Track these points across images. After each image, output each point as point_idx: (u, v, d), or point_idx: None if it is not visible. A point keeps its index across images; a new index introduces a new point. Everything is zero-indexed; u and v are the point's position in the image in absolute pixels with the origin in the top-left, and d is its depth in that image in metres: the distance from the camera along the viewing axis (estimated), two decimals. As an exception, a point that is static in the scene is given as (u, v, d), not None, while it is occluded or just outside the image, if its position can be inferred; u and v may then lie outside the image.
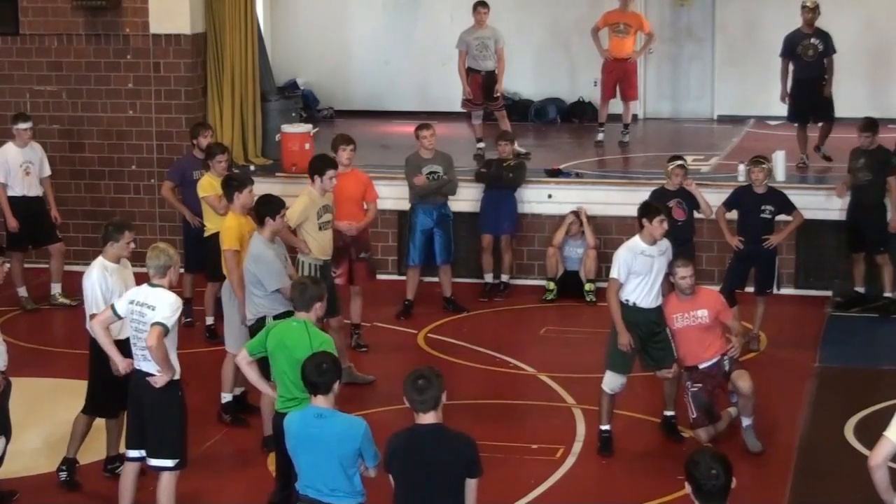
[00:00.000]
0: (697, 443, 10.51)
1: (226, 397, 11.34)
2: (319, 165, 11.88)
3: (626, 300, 10.53)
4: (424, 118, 16.16)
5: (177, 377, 8.94)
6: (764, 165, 12.94)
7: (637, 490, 9.95)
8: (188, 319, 13.38)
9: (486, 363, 12.93)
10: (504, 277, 15.30)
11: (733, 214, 13.18)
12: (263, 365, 9.03)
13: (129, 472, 9.21)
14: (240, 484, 10.46)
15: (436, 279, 14.72)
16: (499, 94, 17.16)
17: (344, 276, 12.71)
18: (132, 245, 9.74)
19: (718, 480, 5.81)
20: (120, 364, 9.20)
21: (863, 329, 13.88)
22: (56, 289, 14.86)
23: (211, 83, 16.53)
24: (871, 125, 14.16)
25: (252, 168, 16.41)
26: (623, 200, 14.87)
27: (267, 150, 17.04)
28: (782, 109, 16.84)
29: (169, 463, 8.96)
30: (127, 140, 16.45)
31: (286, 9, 21.59)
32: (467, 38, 16.99)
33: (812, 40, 15.99)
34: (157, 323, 8.68)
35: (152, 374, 8.86)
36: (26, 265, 14.99)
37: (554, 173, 16.04)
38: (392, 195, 14.89)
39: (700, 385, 10.69)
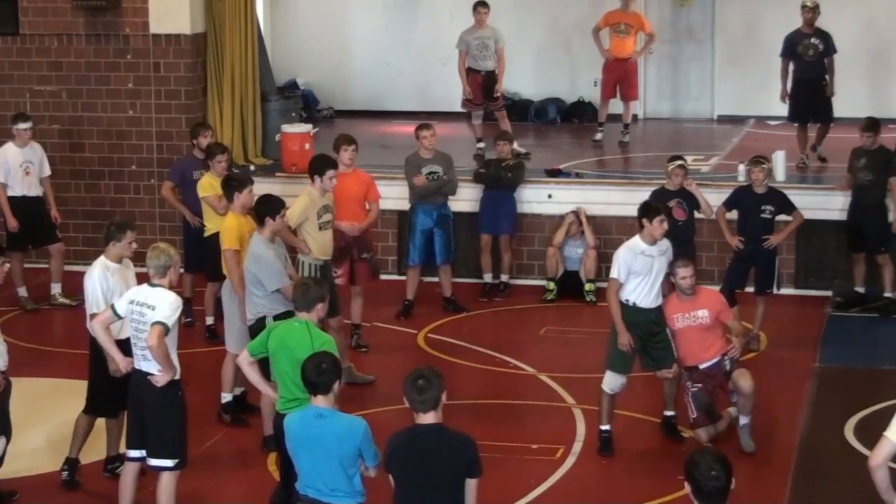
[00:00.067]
0: (697, 443, 10.51)
1: (226, 397, 11.34)
2: (319, 165, 11.89)
3: (626, 300, 10.53)
4: (424, 118, 16.16)
5: (177, 377, 8.94)
6: (764, 165, 12.94)
7: (637, 490, 9.95)
8: (188, 319, 13.38)
9: (486, 363, 12.92)
10: (504, 277, 15.30)
11: (733, 214, 13.18)
12: (263, 365, 9.04)
13: (129, 472, 9.21)
14: (240, 484, 10.46)
15: (436, 279, 14.72)
16: (499, 94, 17.16)
17: (345, 277, 12.71)
18: (134, 245, 9.75)
19: (718, 481, 5.81)
20: (120, 363, 9.20)
21: (863, 329, 13.88)
22: (56, 289, 14.86)
23: (211, 83, 16.53)
24: (873, 125, 14.17)
25: (252, 168, 16.41)
26: (623, 200, 14.87)
27: (267, 150, 17.04)
28: (782, 109, 16.85)
29: (169, 463, 8.96)
30: (127, 140, 16.45)
31: (286, 9, 21.59)
32: (467, 37, 16.99)
33: (812, 40, 16.00)
34: (158, 322, 8.68)
35: (152, 374, 8.86)
36: (26, 265, 14.99)
37: (554, 173, 16.04)
38: (392, 195, 14.88)
39: (700, 385, 10.69)
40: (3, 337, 9.37)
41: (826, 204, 14.77)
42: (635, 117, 19.34)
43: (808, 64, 16.04)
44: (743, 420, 10.61)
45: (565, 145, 18.86)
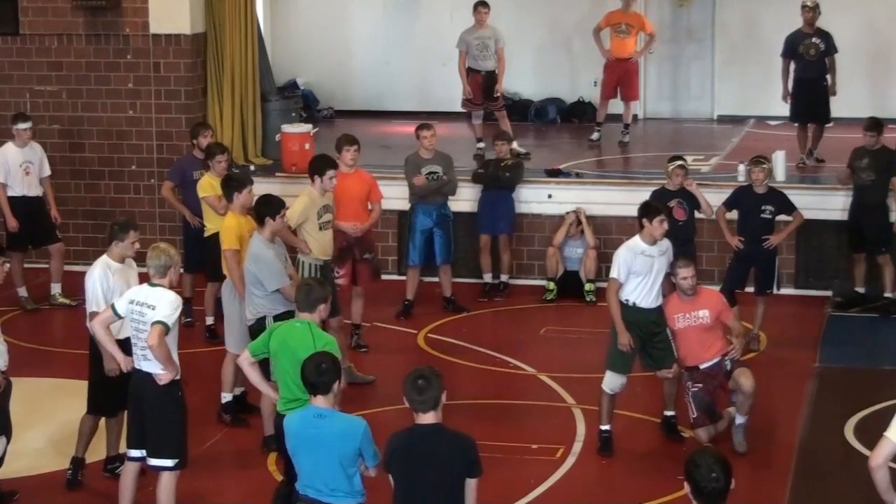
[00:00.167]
0: (697, 443, 10.51)
1: (226, 397, 11.34)
2: (319, 165, 11.89)
3: (626, 300, 10.53)
4: (424, 118, 16.16)
5: (177, 377, 8.94)
6: (764, 165, 12.94)
7: (637, 490, 9.95)
8: (188, 319, 13.37)
9: (486, 363, 12.92)
10: (503, 277, 15.31)
11: (733, 214, 13.18)
12: (263, 366, 9.03)
13: (129, 472, 9.21)
14: (240, 484, 10.46)
15: (436, 279, 14.72)
16: (499, 94, 17.17)
17: (347, 277, 12.71)
18: (137, 245, 9.76)
19: (718, 483, 5.80)
20: (122, 362, 9.20)
21: (863, 329, 13.88)
22: (56, 289, 14.86)
23: (211, 83, 16.52)
24: (875, 125, 14.16)
25: (252, 168, 16.41)
26: (623, 200, 14.86)
27: (267, 150, 17.04)
28: (782, 109, 16.86)
29: (169, 463, 8.96)
30: (127, 140, 16.45)
31: (286, 9, 21.59)
32: (468, 37, 16.99)
33: (813, 40, 16.01)
34: (158, 322, 8.68)
35: (152, 374, 8.86)
36: (26, 265, 14.99)
37: (554, 173, 16.04)
38: (392, 195, 14.87)
39: (701, 385, 10.68)
40: (3, 337, 9.37)
41: (826, 204, 14.78)
42: (635, 117, 19.33)
43: (810, 63, 16.05)
44: (739, 420, 10.61)
45: (565, 145, 18.86)
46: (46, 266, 15.01)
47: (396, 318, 14.32)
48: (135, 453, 9.09)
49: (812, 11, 16.03)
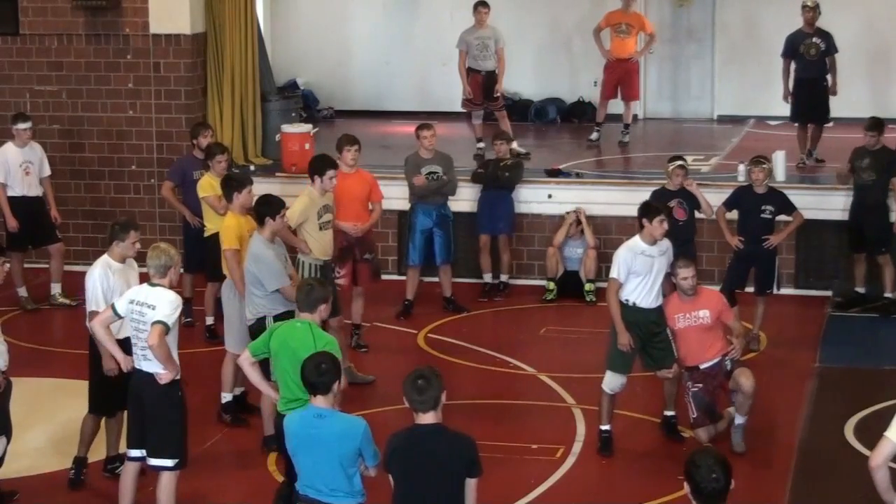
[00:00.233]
0: (697, 443, 10.51)
1: (226, 397, 11.34)
2: (319, 165, 11.89)
3: (626, 300, 10.53)
4: (424, 118, 16.16)
5: (178, 377, 8.94)
6: (764, 165, 12.94)
7: (637, 490, 9.94)
8: (188, 319, 13.37)
9: (486, 363, 12.92)
10: (503, 277, 15.31)
11: (733, 214, 13.18)
12: (263, 365, 9.03)
13: (129, 472, 9.21)
14: (240, 484, 10.46)
15: (436, 279, 14.72)
16: (499, 95, 17.17)
17: (348, 277, 12.71)
18: (138, 245, 9.76)
19: (718, 483, 5.80)
20: (122, 361, 9.19)
21: (863, 329, 13.88)
22: (56, 289, 14.86)
23: (211, 83, 16.52)
24: (877, 124, 14.16)
25: (252, 168, 16.41)
26: (623, 200, 14.86)
27: (267, 150, 17.04)
28: (782, 109, 16.86)
29: (169, 463, 8.96)
30: (127, 140, 16.45)
31: (286, 9, 21.59)
32: (468, 37, 16.99)
33: (814, 39, 16.03)
34: (158, 321, 8.68)
35: (152, 374, 8.86)
36: (26, 265, 14.99)
37: (554, 173, 16.04)
38: (392, 195, 14.88)
39: (701, 385, 10.68)
40: (3, 337, 9.37)
41: (826, 204, 14.78)
42: (635, 117, 19.33)
43: (810, 63, 16.06)
44: (739, 420, 10.60)
45: (565, 145, 18.86)
46: (46, 266, 15.01)
47: (396, 318, 14.32)
48: (135, 453, 9.09)
49: (812, 11, 16.05)
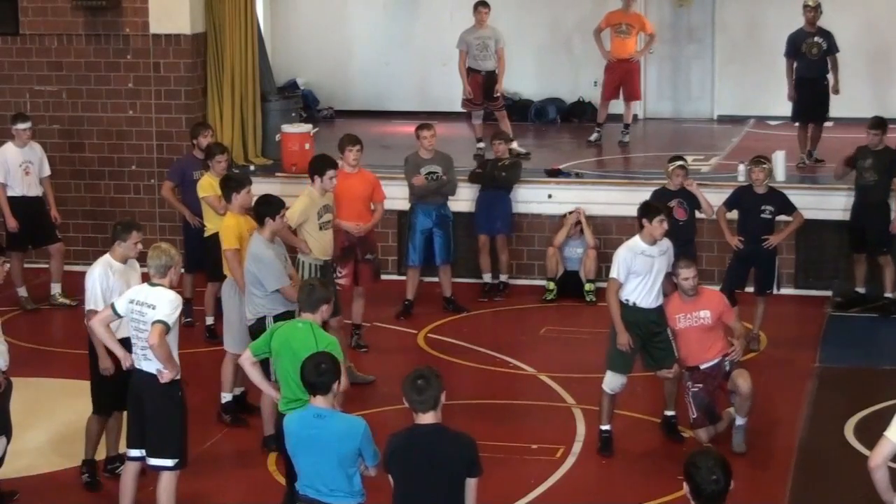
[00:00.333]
0: (697, 443, 10.51)
1: (226, 397, 11.34)
2: (319, 165, 11.89)
3: (626, 300, 10.53)
4: (424, 118, 16.16)
5: (178, 376, 8.94)
6: (764, 165, 12.94)
7: (637, 490, 9.94)
8: (188, 319, 13.37)
9: (486, 363, 12.92)
10: (502, 277, 15.30)
11: (733, 214, 13.18)
12: (264, 365, 9.03)
13: (129, 472, 9.21)
14: (240, 484, 10.46)
15: (436, 279, 14.72)
16: (499, 95, 17.17)
17: (349, 277, 12.71)
18: (139, 246, 9.76)
19: (718, 485, 5.80)
20: (122, 359, 9.19)
21: (863, 329, 13.88)
22: (56, 289, 14.86)
23: (211, 83, 16.52)
24: (880, 123, 14.16)
25: (252, 168, 16.40)
26: (623, 200, 14.86)
27: (267, 150, 17.04)
28: (782, 109, 16.87)
29: (169, 463, 8.96)
30: (127, 140, 16.45)
31: (286, 9, 21.59)
32: (468, 37, 17.00)
33: (816, 39, 16.04)
34: (158, 321, 8.68)
35: (152, 374, 8.86)
36: (26, 265, 14.99)
37: (554, 173, 16.04)
38: (392, 195, 14.86)
39: (701, 385, 10.68)
40: (3, 337, 9.37)
41: (826, 204, 14.78)
42: (635, 117, 19.33)
43: (812, 63, 16.07)
44: (739, 421, 10.60)
45: (565, 145, 18.86)
46: (46, 266, 15.02)
47: (396, 318, 14.31)
48: (135, 453, 9.09)
49: (814, 11, 16.07)
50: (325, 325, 8.94)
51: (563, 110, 20.62)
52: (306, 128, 16.74)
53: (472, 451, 6.99)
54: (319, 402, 7.45)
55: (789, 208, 13.00)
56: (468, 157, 16.63)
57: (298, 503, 7.64)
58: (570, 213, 15.23)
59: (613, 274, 10.52)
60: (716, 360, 10.70)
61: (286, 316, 9.91)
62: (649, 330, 10.58)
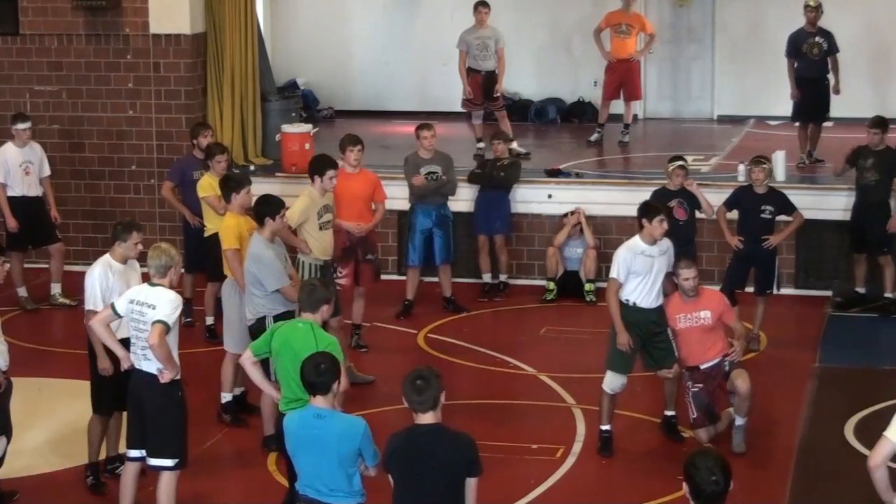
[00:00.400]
0: (697, 443, 10.51)
1: (226, 397, 11.34)
2: (319, 165, 11.89)
3: (626, 300, 10.53)
4: (424, 118, 16.17)
5: (178, 376, 8.94)
6: (764, 165, 12.94)
7: (637, 490, 9.94)
8: (188, 319, 13.37)
9: (486, 363, 12.92)
10: (502, 277, 15.30)
11: (733, 214, 13.18)
12: (264, 365, 9.03)
13: (129, 472, 9.21)
14: (240, 484, 10.46)
15: (436, 279, 14.72)
16: (499, 95, 17.17)
17: (350, 277, 12.71)
18: (140, 246, 9.76)
19: (718, 486, 5.79)
20: (123, 358, 9.19)
21: (863, 329, 13.88)
22: (56, 289, 14.86)
23: (211, 83, 16.52)
24: (880, 122, 14.15)
25: (252, 168, 16.40)
26: (623, 200, 14.86)
27: (267, 150, 17.04)
28: (782, 109, 16.87)
29: (169, 463, 8.96)
30: (127, 140, 16.45)
31: (286, 9, 21.59)
32: (468, 37, 17.00)
33: (816, 39, 16.06)
34: (158, 321, 8.68)
35: (152, 374, 8.86)
36: (26, 265, 14.99)
37: (554, 173, 16.04)
38: (392, 195, 14.86)
39: (701, 385, 10.68)
40: (3, 337, 9.37)
41: (826, 204, 14.78)
42: (635, 117, 19.33)
43: (813, 63, 16.09)
44: (739, 421, 10.60)
45: (565, 145, 18.86)
46: (46, 266, 15.02)
47: (396, 318, 14.31)
48: (135, 453, 9.09)
49: (815, 11, 16.09)
50: (325, 325, 8.94)
51: (563, 110, 20.62)
52: (306, 128, 16.74)
53: (471, 450, 6.99)
54: (319, 402, 7.45)
55: (789, 208, 13.00)
56: (468, 157, 16.63)
57: (298, 503, 7.64)
58: (571, 213, 15.23)
59: (613, 274, 10.52)
60: (716, 361, 10.70)
61: (286, 316, 9.91)
62: (649, 330, 10.58)
